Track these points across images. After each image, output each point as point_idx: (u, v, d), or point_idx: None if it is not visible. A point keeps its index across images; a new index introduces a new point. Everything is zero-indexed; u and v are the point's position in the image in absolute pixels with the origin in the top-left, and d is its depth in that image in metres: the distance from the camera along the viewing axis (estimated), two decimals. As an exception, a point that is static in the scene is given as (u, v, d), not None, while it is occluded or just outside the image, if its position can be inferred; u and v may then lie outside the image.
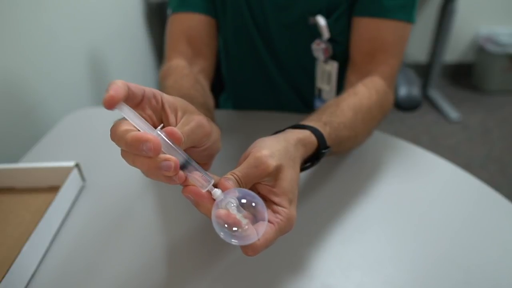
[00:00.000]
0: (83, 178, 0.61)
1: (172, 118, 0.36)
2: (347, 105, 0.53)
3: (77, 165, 0.59)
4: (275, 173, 0.37)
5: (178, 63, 0.64)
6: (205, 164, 0.43)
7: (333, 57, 0.67)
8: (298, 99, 0.79)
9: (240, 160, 0.40)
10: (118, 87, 0.31)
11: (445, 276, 0.44)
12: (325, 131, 0.46)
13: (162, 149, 0.32)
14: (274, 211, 0.37)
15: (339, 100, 0.54)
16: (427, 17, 2.35)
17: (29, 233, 0.47)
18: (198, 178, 0.34)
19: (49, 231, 0.52)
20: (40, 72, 0.90)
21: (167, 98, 0.36)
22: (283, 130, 0.46)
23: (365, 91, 0.56)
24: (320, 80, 0.71)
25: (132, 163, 0.32)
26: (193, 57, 0.67)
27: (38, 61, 0.89)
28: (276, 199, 0.37)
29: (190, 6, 0.67)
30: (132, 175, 0.63)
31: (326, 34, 0.63)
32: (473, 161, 1.84)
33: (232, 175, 0.36)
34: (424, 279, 0.44)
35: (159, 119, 0.36)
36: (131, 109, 0.32)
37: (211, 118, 0.51)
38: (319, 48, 0.66)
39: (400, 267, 0.46)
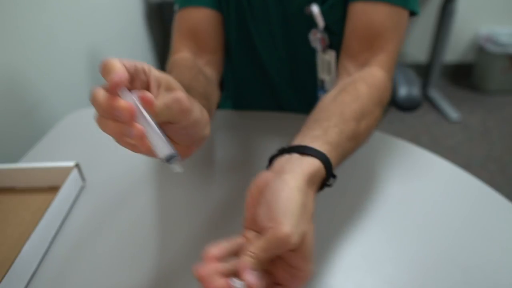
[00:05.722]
0: (83, 178, 0.61)
1: (154, 93, 0.35)
2: (350, 112, 0.50)
3: (77, 165, 0.59)
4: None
5: (182, 56, 0.64)
6: (187, 147, 0.40)
7: (330, 47, 0.67)
8: (298, 97, 0.79)
9: (247, 205, 0.38)
10: (120, 72, 0.31)
11: (445, 276, 0.44)
12: (332, 156, 0.42)
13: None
14: (292, 277, 0.35)
15: (343, 105, 0.51)
16: (427, 17, 2.34)
17: (29, 233, 0.47)
18: (159, 144, 0.34)
19: (49, 231, 0.52)
20: (40, 72, 0.90)
21: (154, 74, 0.36)
22: (288, 150, 0.42)
23: (367, 93, 0.54)
24: (321, 70, 0.71)
25: (104, 127, 0.33)
26: (199, 52, 0.67)
27: (38, 62, 0.89)
28: (295, 263, 0.35)
29: (196, 1, 0.67)
30: (132, 175, 0.63)
31: (320, 22, 0.63)
32: (473, 161, 1.84)
33: (252, 255, 0.33)
34: (424, 279, 0.44)
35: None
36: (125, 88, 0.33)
37: (208, 107, 0.49)
38: (315, 38, 0.66)
39: (400, 267, 0.46)
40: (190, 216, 0.54)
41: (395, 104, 0.89)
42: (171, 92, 0.36)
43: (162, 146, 0.34)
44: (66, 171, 0.58)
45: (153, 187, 0.60)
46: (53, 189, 0.59)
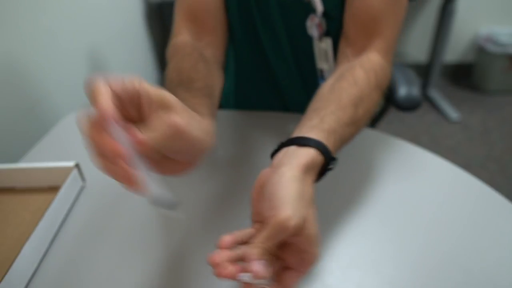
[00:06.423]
0: (83, 178, 0.61)
1: (146, 113, 0.34)
2: (348, 98, 0.50)
3: (77, 165, 0.59)
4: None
5: (182, 40, 0.64)
6: (188, 163, 0.39)
7: (327, 33, 0.66)
8: (303, 93, 0.78)
9: (252, 201, 0.40)
10: (106, 108, 0.30)
11: (445, 276, 0.44)
12: (329, 142, 0.43)
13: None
14: (301, 260, 0.37)
15: (340, 92, 0.51)
16: (427, 17, 2.34)
17: (29, 233, 0.47)
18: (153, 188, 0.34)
19: (49, 231, 0.52)
20: (40, 72, 0.90)
21: (146, 92, 0.33)
22: (286, 143, 0.43)
23: (364, 78, 0.54)
24: (319, 59, 0.70)
25: (95, 162, 0.33)
26: (199, 33, 0.67)
27: (38, 62, 0.89)
28: (302, 247, 0.37)
29: None
30: (132, 175, 0.63)
31: (319, 7, 0.63)
32: (473, 161, 1.84)
33: (258, 245, 0.35)
34: (424, 279, 0.44)
35: (137, 110, 0.35)
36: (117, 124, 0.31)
37: (210, 105, 0.49)
38: (313, 24, 0.66)
39: (400, 267, 0.46)
40: (190, 215, 0.54)
41: (395, 104, 0.89)
42: (166, 111, 0.34)
43: (156, 191, 0.34)
44: (66, 171, 0.58)
45: (153, 187, 0.60)
46: (53, 189, 0.59)
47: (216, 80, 0.58)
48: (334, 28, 0.66)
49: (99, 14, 1.25)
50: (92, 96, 0.31)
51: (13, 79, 0.81)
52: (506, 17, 2.33)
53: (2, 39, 0.78)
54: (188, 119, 0.35)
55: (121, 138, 0.30)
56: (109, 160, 0.31)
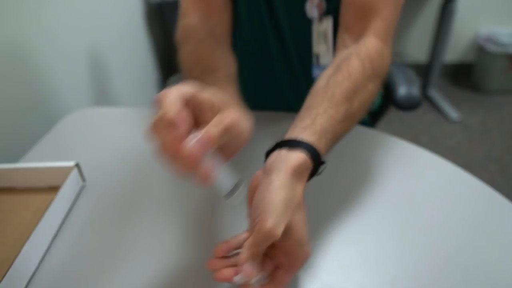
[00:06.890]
0: (83, 178, 0.61)
1: (206, 117, 0.38)
2: (341, 93, 0.50)
3: (77, 165, 0.59)
4: (285, 231, 0.38)
5: (191, 22, 0.65)
6: (231, 153, 0.43)
7: (327, 14, 0.66)
8: (301, 80, 0.78)
9: (248, 204, 0.42)
10: (176, 111, 0.34)
11: (445, 276, 0.45)
12: (320, 144, 0.44)
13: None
14: (290, 261, 0.40)
15: (334, 87, 0.51)
16: (427, 17, 2.35)
17: (29, 233, 0.47)
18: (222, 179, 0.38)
19: (49, 231, 0.52)
20: (40, 72, 0.90)
21: (198, 100, 0.37)
22: (279, 144, 0.44)
23: (359, 67, 0.53)
24: (316, 43, 0.69)
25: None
26: (208, 13, 0.67)
27: (38, 61, 0.90)
28: (290, 250, 0.39)
29: None
30: (132, 175, 0.63)
31: None
32: (473, 161, 1.84)
33: (247, 250, 0.38)
34: (424, 279, 0.44)
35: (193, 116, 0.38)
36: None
37: (237, 91, 0.52)
38: (312, 5, 0.66)
39: (400, 267, 0.46)
40: (190, 215, 0.54)
41: (395, 103, 0.89)
42: (216, 111, 0.38)
43: (227, 181, 0.39)
44: (66, 171, 0.58)
45: (154, 186, 0.60)
46: (53, 189, 0.58)
47: (233, 64, 0.60)
48: (333, 8, 0.65)
49: (99, 14, 1.25)
50: (162, 107, 0.34)
51: (13, 79, 0.81)
52: (506, 17, 2.33)
53: (2, 39, 0.78)
54: (236, 114, 0.38)
55: (193, 139, 0.34)
56: (186, 163, 0.34)
